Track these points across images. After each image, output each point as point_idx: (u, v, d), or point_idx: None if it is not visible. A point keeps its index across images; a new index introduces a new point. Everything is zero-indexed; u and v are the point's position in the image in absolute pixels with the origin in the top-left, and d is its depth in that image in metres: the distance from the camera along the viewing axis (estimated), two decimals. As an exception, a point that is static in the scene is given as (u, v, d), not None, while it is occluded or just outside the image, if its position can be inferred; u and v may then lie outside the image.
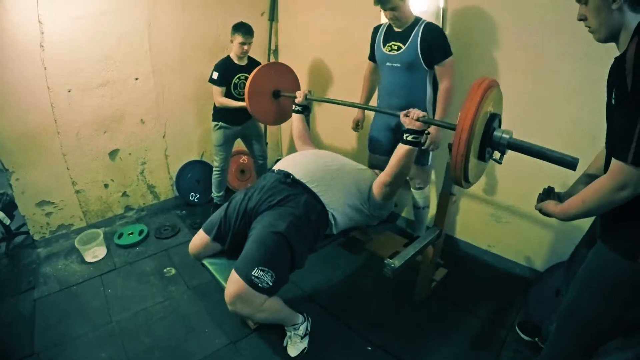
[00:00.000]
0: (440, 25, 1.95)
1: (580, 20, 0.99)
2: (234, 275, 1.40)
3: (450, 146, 1.28)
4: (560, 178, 1.45)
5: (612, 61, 0.94)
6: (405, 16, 1.79)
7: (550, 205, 1.10)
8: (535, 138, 1.28)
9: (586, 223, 1.29)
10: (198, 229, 1.74)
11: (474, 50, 1.94)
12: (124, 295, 2.00)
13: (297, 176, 1.62)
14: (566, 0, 1.12)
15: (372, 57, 2.07)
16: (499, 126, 1.35)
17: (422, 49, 1.78)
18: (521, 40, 1.77)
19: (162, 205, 2.89)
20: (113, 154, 2.53)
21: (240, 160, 3.13)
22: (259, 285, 1.37)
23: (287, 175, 1.62)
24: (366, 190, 1.66)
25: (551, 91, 1.75)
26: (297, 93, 2.07)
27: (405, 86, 1.89)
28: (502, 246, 2.19)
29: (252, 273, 1.37)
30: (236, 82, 2.41)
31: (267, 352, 1.65)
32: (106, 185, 2.56)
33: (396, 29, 1.86)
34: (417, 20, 1.82)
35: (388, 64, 1.90)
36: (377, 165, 2.05)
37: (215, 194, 2.73)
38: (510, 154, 1.32)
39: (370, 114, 2.25)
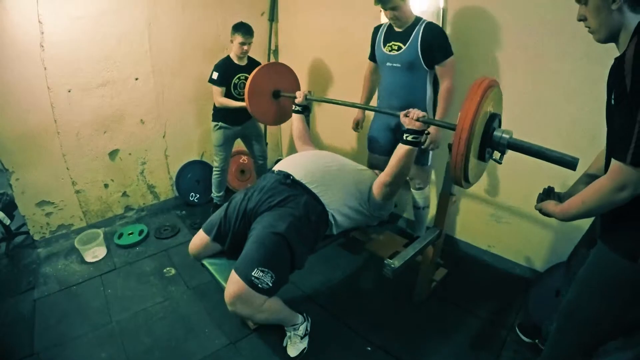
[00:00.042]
0: (441, 25, 1.95)
1: (580, 20, 0.99)
2: (233, 276, 1.39)
3: (450, 146, 1.28)
4: (560, 178, 1.45)
5: (612, 61, 0.94)
6: (405, 16, 1.79)
7: (550, 205, 1.10)
8: (535, 138, 1.28)
9: (586, 223, 1.29)
10: (198, 229, 1.74)
11: (474, 50, 1.94)
12: (124, 295, 2.00)
13: (297, 177, 1.61)
14: (566, 0, 1.12)
15: (372, 57, 2.07)
16: (499, 126, 1.35)
17: (422, 49, 1.78)
18: (521, 40, 1.77)
19: (162, 206, 2.89)
20: (113, 154, 2.53)
21: (240, 161, 3.13)
22: (259, 285, 1.37)
23: (287, 176, 1.62)
24: (366, 190, 1.66)
25: (551, 91, 1.75)
26: (297, 93, 2.07)
27: (406, 86, 1.88)
28: (502, 246, 2.19)
29: (252, 274, 1.37)
30: (236, 82, 2.41)
31: (267, 353, 1.65)
32: (106, 185, 2.56)
33: (396, 29, 1.86)
34: (418, 20, 1.82)
35: (388, 64, 1.90)
36: (376, 165, 2.05)
37: (215, 194, 2.73)
38: (510, 153, 1.32)
39: (370, 114, 2.25)
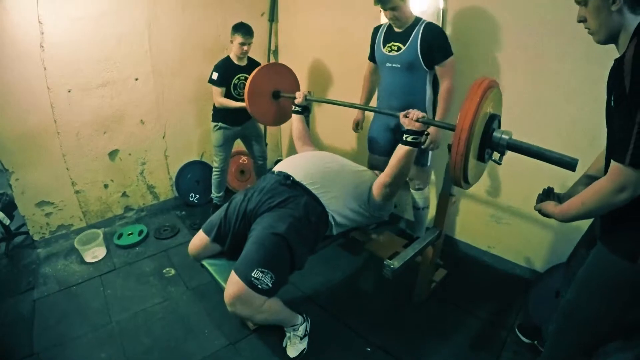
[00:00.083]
0: (441, 26, 1.94)
1: (579, 21, 0.99)
2: (233, 277, 1.39)
3: (449, 147, 1.28)
4: (559, 179, 1.45)
5: (612, 61, 0.94)
6: (405, 16, 1.79)
7: (550, 206, 1.10)
8: (535, 138, 1.28)
9: (585, 224, 1.29)
10: (197, 229, 1.74)
11: (474, 51, 1.94)
12: (124, 295, 2.00)
13: (297, 178, 1.61)
14: (566, 0, 1.12)
15: (372, 57, 2.06)
16: (499, 127, 1.34)
17: (422, 50, 1.78)
18: (521, 40, 1.77)
19: (161, 206, 2.89)
20: (113, 154, 2.53)
21: (240, 161, 3.13)
22: (259, 286, 1.37)
23: (287, 176, 1.62)
24: (366, 191, 1.66)
25: (551, 91, 1.74)
26: (297, 94, 2.07)
27: (405, 87, 1.88)
28: (501, 247, 2.19)
29: (252, 274, 1.37)
30: (236, 82, 2.41)
31: (267, 353, 1.65)
32: (106, 186, 2.56)
33: (396, 29, 1.86)
34: (417, 20, 1.81)
35: (388, 64, 1.90)
36: (377, 165, 2.04)
37: (214, 194, 2.73)
38: (510, 154, 1.31)
39: (370, 114, 2.25)
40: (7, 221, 2.27)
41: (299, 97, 2.05)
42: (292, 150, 3.15)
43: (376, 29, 2.00)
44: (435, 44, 1.76)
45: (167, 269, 2.21)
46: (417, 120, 1.47)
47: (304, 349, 1.62)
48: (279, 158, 3.44)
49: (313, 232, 1.55)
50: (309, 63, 2.87)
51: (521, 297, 1.91)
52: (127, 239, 2.46)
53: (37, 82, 2.09)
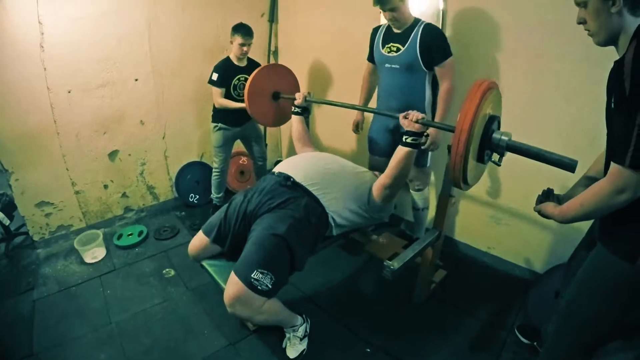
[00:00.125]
0: (440, 26, 1.95)
1: (579, 23, 0.99)
2: (233, 277, 1.39)
3: (449, 148, 1.28)
4: (559, 180, 1.45)
5: (612, 62, 0.94)
6: (404, 17, 1.79)
7: (549, 207, 1.10)
8: (535, 138, 1.28)
9: (585, 225, 1.29)
10: (197, 230, 1.74)
11: (474, 51, 1.94)
12: (123, 296, 2.00)
13: (297, 179, 1.61)
14: (566, 0, 1.12)
15: (371, 58, 2.06)
16: (498, 128, 1.34)
17: (421, 50, 1.78)
18: (521, 40, 1.77)
19: (161, 206, 2.89)
20: (113, 154, 2.53)
21: (240, 162, 3.13)
22: (258, 287, 1.37)
23: (287, 177, 1.62)
24: (366, 192, 1.66)
25: (551, 92, 1.75)
26: (297, 95, 2.07)
27: (404, 88, 1.88)
28: (501, 248, 2.19)
29: (252, 275, 1.37)
30: (236, 83, 2.41)
31: (266, 354, 1.65)
32: (106, 186, 2.56)
33: (395, 30, 1.86)
34: (417, 21, 1.82)
35: (387, 65, 1.90)
36: (377, 166, 2.05)
37: (214, 195, 2.73)
38: (510, 155, 1.32)
39: (370, 115, 2.25)
40: (7, 221, 2.26)
41: (298, 98, 2.05)
42: (292, 151, 3.14)
43: (375, 30, 2.00)
44: (434, 44, 1.76)
45: (167, 269, 2.21)
46: (416, 122, 1.47)
47: (304, 349, 1.62)
48: (278, 159, 3.44)
49: (313, 233, 1.55)
50: (308, 64, 2.87)
51: (521, 298, 1.91)
52: (126, 239, 2.46)
53: (37, 82, 2.09)
